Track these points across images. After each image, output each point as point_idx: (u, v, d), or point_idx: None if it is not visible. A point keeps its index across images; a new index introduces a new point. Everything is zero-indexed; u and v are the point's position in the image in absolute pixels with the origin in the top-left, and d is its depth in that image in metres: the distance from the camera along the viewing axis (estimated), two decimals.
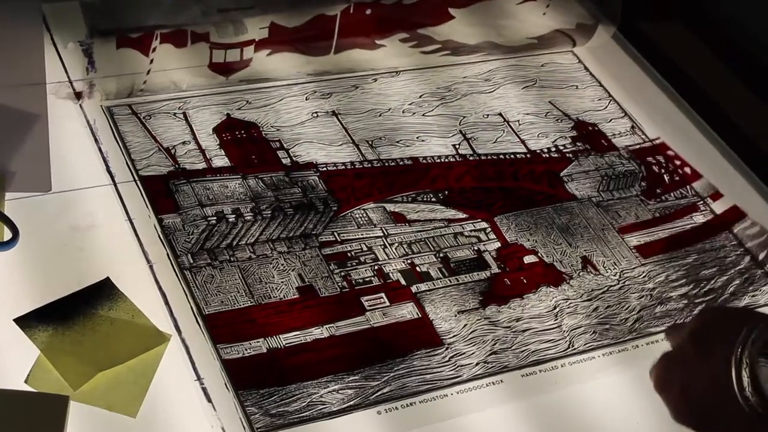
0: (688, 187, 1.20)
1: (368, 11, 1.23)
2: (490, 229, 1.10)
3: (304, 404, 0.89)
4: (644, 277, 1.08)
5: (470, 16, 1.31)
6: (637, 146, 1.24)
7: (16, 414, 0.81)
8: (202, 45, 1.16)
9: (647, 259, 1.10)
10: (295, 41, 1.21)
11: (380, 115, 1.20)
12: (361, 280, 1.01)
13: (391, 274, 1.02)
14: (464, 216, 1.10)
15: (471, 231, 1.09)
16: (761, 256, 1.12)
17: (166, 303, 0.95)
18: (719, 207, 1.18)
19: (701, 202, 1.18)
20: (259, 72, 1.20)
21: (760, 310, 1.07)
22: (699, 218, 1.17)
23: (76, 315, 0.91)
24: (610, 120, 1.28)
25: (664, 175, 1.20)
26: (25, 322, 0.90)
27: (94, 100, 1.12)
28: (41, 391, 0.85)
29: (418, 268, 1.04)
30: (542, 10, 1.37)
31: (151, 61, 1.12)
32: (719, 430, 0.79)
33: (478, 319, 1.00)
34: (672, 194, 1.19)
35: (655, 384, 0.84)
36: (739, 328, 0.76)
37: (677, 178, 1.20)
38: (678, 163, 1.22)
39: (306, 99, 1.20)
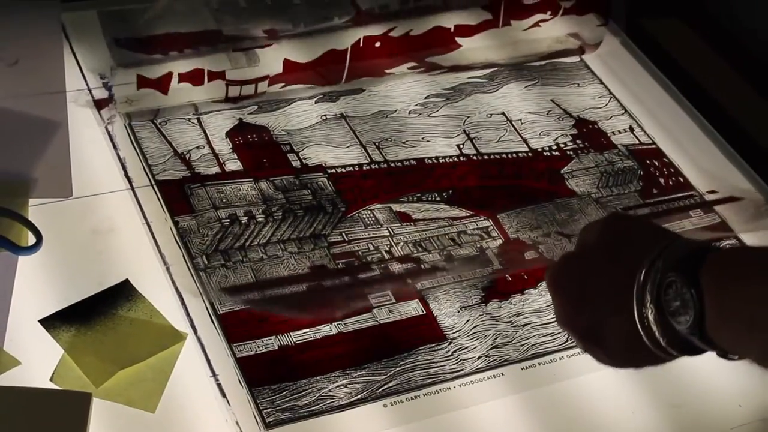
0: (681, 194, 1.23)
1: (377, 44, 1.27)
2: (492, 227, 1.14)
3: (313, 398, 0.94)
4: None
5: (477, 43, 1.35)
6: (636, 146, 1.28)
7: (43, 410, 0.85)
8: (218, 82, 1.20)
9: None
10: (307, 74, 1.25)
11: (387, 117, 1.25)
12: (368, 278, 1.05)
13: (396, 272, 1.07)
14: (467, 214, 1.15)
15: (474, 229, 1.13)
16: None
17: (183, 303, 0.99)
18: (710, 218, 1.20)
19: (694, 209, 1.21)
20: (270, 98, 1.24)
21: None
22: (691, 224, 1.19)
23: (97, 316, 0.96)
24: (610, 117, 1.31)
25: (660, 178, 1.23)
26: (50, 322, 0.95)
27: (115, 113, 1.16)
28: (65, 389, 0.90)
29: (422, 266, 1.08)
30: (549, 34, 1.39)
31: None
32: (603, 339, 0.77)
33: (480, 315, 1.04)
34: (667, 197, 1.22)
35: (549, 281, 0.81)
36: (652, 241, 0.73)
37: (672, 183, 1.23)
38: (672, 170, 1.25)
39: (315, 102, 1.24)
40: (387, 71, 1.29)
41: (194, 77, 1.19)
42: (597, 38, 1.40)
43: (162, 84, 1.17)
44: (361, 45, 1.26)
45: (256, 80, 1.21)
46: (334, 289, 1.04)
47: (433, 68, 1.31)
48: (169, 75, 1.17)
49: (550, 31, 1.40)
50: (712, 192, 1.23)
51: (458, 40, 1.33)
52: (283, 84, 1.23)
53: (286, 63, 1.22)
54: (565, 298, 0.80)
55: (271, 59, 1.22)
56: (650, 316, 0.71)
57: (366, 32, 1.27)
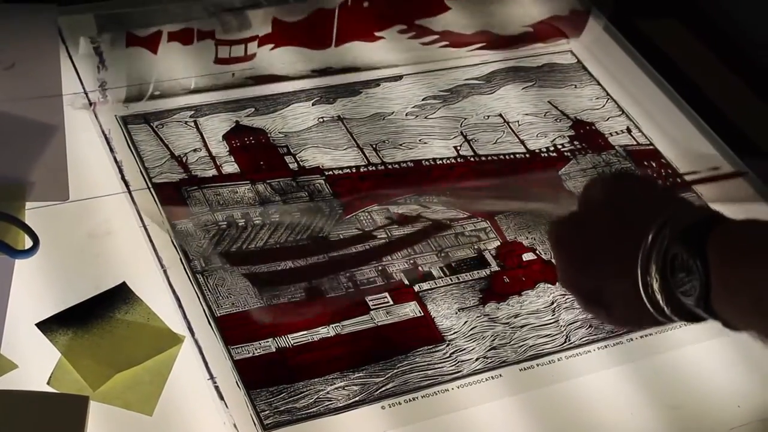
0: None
1: (366, 4, 1.27)
2: (490, 228, 1.14)
3: (311, 401, 0.94)
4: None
5: (466, 6, 1.35)
6: (634, 147, 1.28)
7: (40, 414, 0.85)
8: (208, 42, 1.21)
9: None
10: (297, 35, 1.26)
11: (384, 119, 1.25)
12: (365, 281, 1.05)
13: (394, 274, 1.06)
14: (465, 216, 1.14)
15: (471, 231, 1.13)
16: None
17: (180, 306, 0.99)
18: None
19: None
20: (263, 68, 1.24)
21: None
22: None
23: (94, 319, 0.96)
24: (608, 118, 1.31)
25: (658, 180, 1.23)
26: (47, 326, 0.94)
27: (108, 105, 1.16)
28: (63, 392, 0.89)
29: (420, 268, 1.08)
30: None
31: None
32: (606, 302, 0.77)
33: (478, 316, 1.04)
34: None
35: (553, 240, 0.81)
36: (658, 207, 0.72)
37: (668, 184, 1.23)
38: (670, 171, 1.25)
39: (312, 105, 1.24)
40: (377, 34, 1.29)
41: (184, 36, 1.19)
42: (581, 7, 1.40)
43: (151, 42, 1.17)
44: (349, 4, 1.26)
45: (245, 40, 1.21)
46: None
47: (424, 33, 1.31)
48: (159, 33, 1.17)
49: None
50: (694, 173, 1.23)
51: (447, 2, 1.34)
52: (272, 45, 1.23)
53: (275, 22, 1.22)
54: (570, 259, 0.80)
55: (261, 19, 1.22)
56: (654, 285, 0.71)
57: None
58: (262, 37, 1.22)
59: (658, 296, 0.72)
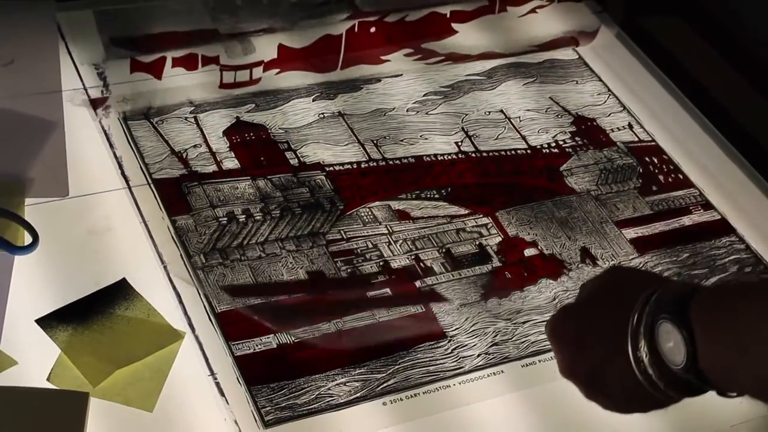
0: (680, 190, 1.22)
1: (372, 29, 1.27)
2: (492, 224, 1.13)
3: (312, 397, 0.93)
4: (641, 268, 1.11)
5: (473, 30, 1.35)
6: (635, 144, 1.27)
7: (40, 410, 0.85)
8: (213, 67, 1.20)
9: (644, 253, 1.13)
10: (303, 60, 1.26)
11: (385, 115, 1.24)
12: (367, 276, 1.05)
13: (396, 270, 1.06)
14: (466, 212, 1.14)
15: (473, 226, 1.13)
16: (746, 268, 1.15)
17: (180, 302, 0.98)
18: (709, 216, 1.20)
19: (694, 206, 1.21)
20: (267, 88, 1.24)
21: None
22: (690, 221, 1.19)
23: (94, 315, 0.95)
24: (609, 114, 1.31)
25: (659, 176, 1.23)
26: (47, 322, 0.94)
27: (111, 112, 1.16)
28: (63, 388, 0.89)
29: (422, 264, 1.07)
30: (545, 21, 1.40)
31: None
32: (605, 386, 0.78)
33: (479, 312, 1.04)
34: (667, 194, 1.21)
35: (549, 334, 0.84)
36: (642, 288, 0.75)
37: (671, 180, 1.23)
38: (672, 167, 1.25)
39: (312, 100, 1.24)
40: (383, 58, 1.28)
41: (188, 62, 1.19)
42: (592, 27, 1.40)
43: (155, 68, 1.17)
44: (356, 30, 1.26)
45: (250, 65, 1.21)
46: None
47: (430, 56, 1.31)
48: (163, 59, 1.17)
49: (546, 20, 1.39)
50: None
51: (454, 26, 1.33)
52: (278, 70, 1.23)
53: (281, 48, 1.22)
54: (565, 348, 0.82)
55: (266, 45, 1.22)
56: (645, 360, 0.73)
57: (361, 18, 1.26)
58: (267, 62, 1.22)
59: (651, 371, 0.73)
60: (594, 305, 0.81)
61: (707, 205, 1.21)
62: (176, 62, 1.18)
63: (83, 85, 1.17)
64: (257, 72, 1.21)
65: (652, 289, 0.74)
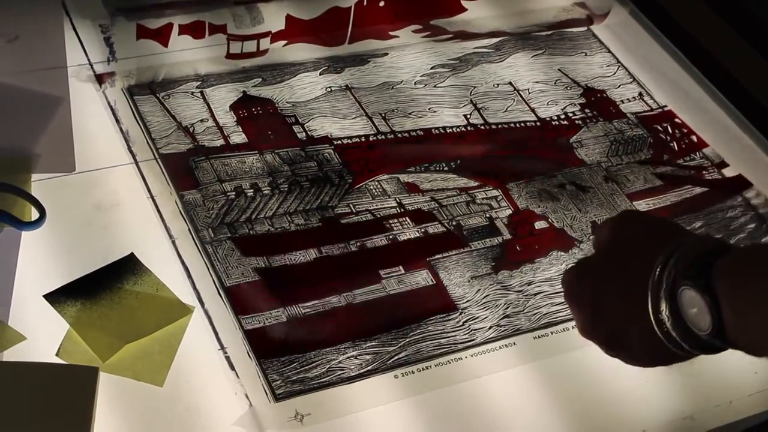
0: (694, 154, 1.22)
1: (381, 3, 1.26)
2: (502, 197, 1.12)
3: (323, 370, 0.92)
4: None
5: (483, 7, 1.33)
6: (646, 113, 1.26)
7: (50, 386, 0.84)
8: (219, 36, 1.19)
9: None
10: (310, 32, 1.24)
11: (392, 88, 1.23)
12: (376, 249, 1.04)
13: (405, 243, 1.05)
14: (476, 184, 1.13)
15: (483, 199, 1.12)
16: (765, 226, 1.14)
17: (189, 276, 0.98)
18: (726, 173, 1.20)
19: (708, 168, 1.20)
20: (274, 60, 1.23)
21: None
22: (701, 189, 1.18)
23: (102, 290, 0.95)
24: (619, 86, 1.30)
25: (671, 143, 1.22)
26: (55, 297, 0.93)
27: (116, 87, 1.15)
28: (72, 363, 0.89)
29: (432, 237, 1.07)
30: (555, 2, 1.39)
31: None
32: (626, 344, 0.77)
33: (490, 284, 1.03)
34: (679, 161, 1.20)
35: (565, 293, 0.83)
36: (660, 242, 0.73)
37: (684, 146, 1.22)
38: (685, 131, 1.24)
39: (320, 74, 1.23)
40: (391, 33, 1.27)
41: (195, 29, 1.18)
42: (605, 8, 1.38)
43: (162, 35, 1.16)
44: (365, 4, 1.25)
45: (257, 36, 1.20)
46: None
47: (438, 33, 1.30)
48: (170, 26, 1.16)
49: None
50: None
51: (464, 3, 1.32)
52: (285, 42, 1.22)
53: (289, 20, 1.21)
54: (583, 308, 0.81)
55: (274, 16, 1.21)
56: (668, 323, 0.72)
57: None
58: (275, 34, 1.21)
59: (674, 333, 0.72)
60: (610, 261, 0.79)
61: (722, 165, 1.20)
62: (183, 29, 1.17)
63: (88, 60, 1.16)
64: (264, 43, 1.20)
65: (671, 248, 0.72)
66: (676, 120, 1.25)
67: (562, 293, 0.85)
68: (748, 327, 0.69)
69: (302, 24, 1.23)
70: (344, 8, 1.24)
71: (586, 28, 1.38)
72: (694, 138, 1.23)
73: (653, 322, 0.73)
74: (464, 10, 1.32)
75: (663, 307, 0.72)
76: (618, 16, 1.39)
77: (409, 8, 1.29)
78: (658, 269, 0.72)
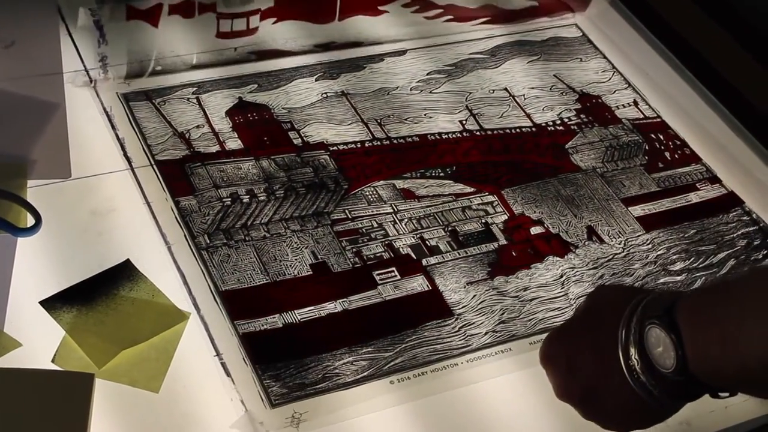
0: (687, 167, 1.22)
1: None
2: (497, 202, 1.12)
3: (319, 376, 0.92)
4: (648, 244, 1.11)
5: None
6: (641, 120, 1.26)
7: (45, 392, 0.84)
8: (209, 15, 1.19)
9: (650, 230, 1.12)
10: (300, 9, 1.24)
11: (388, 94, 1.23)
12: (372, 256, 1.04)
13: (401, 249, 1.05)
14: (472, 190, 1.13)
15: (479, 204, 1.12)
16: (755, 242, 1.14)
17: (185, 282, 0.98)
18: (716, 191, 1.20)
19: (699, 183, 1.20)
20: (266, 42, 1.23)
21: None
22: (697, 197, 1.18)
23: (98, 296, 0.95)
24: (614, 92, 1.30)
25: (665, 153, 1.22)
26: (50, 304, 0.93)
27: (109, 82, 1.14)
28: (68, 370, 0.89)
29: (427, 242, 1.07)
30: None
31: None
32: (601, 404, 0.79)
33: (486, 290, 1.03)
34: (673, 170, 1.20)
35: (540, 359, 0.85)
36: (628, 300, 0.76)
37: (677, 157, 1.22)
38: (678, 142, 1.24)
39: (315, 80, 1.23)
40: (380, 8, 1.27)
41: (185, 9, 1.17)
42: None
43: (152, 15, 1.16)
44: None
45: (247, 14, 1.20)
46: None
47: (428, 7, 1.30)
48: (159, 6, 1.15)
49: None
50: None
51: None
52: (275, 20, 1.22)
53: None
54: (557, 371, 0.83)
55: None
56: (638, 367, 0.74)
57: None
58: (264, 11, 1.21)
59: (643, 378, 0.74)
60: (583, 323, 0.82)
61: (714, 180, 1.20)
62: (172, 9, 1.16)
63: (84, 66, 1.16)
64: (254, 21, 1.20)
65: (639, 298, 0.76)
66: (669, 131, 1.25)
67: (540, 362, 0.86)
68: (705, 352, 0.71)
69: (291, 0, 1.23)
70: None
71: (576, 29, 1.38)
72: (687, 150, 1.23)
73: (624, 369, 0.75)
74: None
75: (632, 351, 0.74)
76: (598, 6, 1.40)
77: None
78: (627, 317, 0.75)
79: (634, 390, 0.75)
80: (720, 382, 0.73)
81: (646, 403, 0.76)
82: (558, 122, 1.24)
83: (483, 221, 1.10)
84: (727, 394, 0.75)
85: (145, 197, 1.05)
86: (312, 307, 0.98)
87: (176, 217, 1.03)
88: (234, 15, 1.19)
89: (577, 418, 0.94)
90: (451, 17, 1.32)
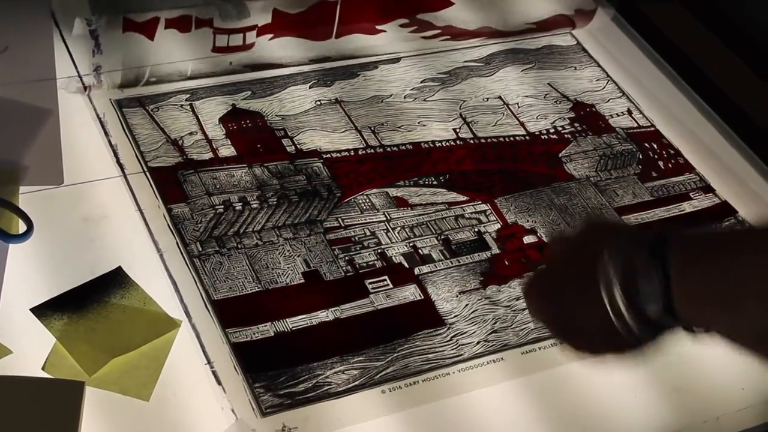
0: (681, 177, 1.22)
1: None
2: (490, 211, 1.12)
3: (310, 385, 0.92)
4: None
5: (470, 1, 1.33)
6: (635, 129, 1.26)
7: (35, 399, 0.84)
8: (206, 30, 1.19)
9: None
10: (297, 26, 1.24)
11: (382, 102, 1.23)
12: (364, 264, 1.04)
13: (393, 258, 1.05)
14: (465, 198, 1.13)
15: (472, 213, 1.12)
16: None
17: (177, 290, 0.98)
18: (710, 201, 1.20)
19: (693, 192, 1.20)
20: (262, 57, 1.23)
21: None
22: (691, 206, 1.18)
23: (89, 303, 0.94)
24: (608, 100, 1.30)
25: (659, 162, 1.22)
26: (41, 311, 0.93)
27: (103, 89, 1.14)
28: (58, 378, 0.88)
29: (420, 251, 1.07)
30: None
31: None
32: (578, 329, 0.77)
33: (479, 299, 1.03)
34: (667, 179, 1.20)
35: (524, 294, 0.83)
36: (618, 235, 0.74)
37: (671, 166, 1.22)
38: (672, 151, 1.24)
39: (309, 87, 1.23)
40: (378, 27, 1.27)
41: (181, 23, 1.17)
42: (589, 6, 1.38)
43: (148, 28, 1.15)
44: None
45: (243, 29, 1.20)
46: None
47: (426, 27, 1.30)
48: (156, 20, 1.15)
49: None
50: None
51: None
52: (271, 36, 1.21)
53: (275, 13, 1.21)
54: (540, 301, 0.81)
55: (261, 10, 1.21)
56: (620, 302, 0.71)
57: None
58: (261, 27, 1.21)
59: (626, 314, 0.72)
60: (565, 260, 0.79)
61: (707, 189, 1.20)
62: (169, 23, 1.16)
63: (78, 72, 1.16)
64: (251, 37, 1.20)
65: (625, 233, 0.73)
66: (663, 140, 1.25)
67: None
68: (696, 301, 0.69)
69: (289, 18, 1.23)
70: (331, 2, 1.23)
71: (571, 37, 1.38)
72: (681, 160, 1.23)
73: (606, 301, 0.72)
74: (451, 4, 1.32)
75: (615, 284, 0.71)
76: (601, 21, 1.40)
77: (396, 2, 1.29)
78: (615, 253, 0.72)
79: (614, 324, 0.72)
80: (701, 325, 0.71)
81: (622, 336, 0.73)
82: (552, 131, 1.24)
83: (476, 230, 1.10)
84: (702, 330, 0.72)
85: (137, 204, 1.04)
86: (304, 316, 0.98)
87: (168, 225, 1.03)
88: (230, 31, 1.19)
89: (570, 427, 0.94)
90: (449, 37, 1.32)
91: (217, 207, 1.06)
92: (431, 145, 1.19)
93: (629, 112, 1.29)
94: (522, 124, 1.24)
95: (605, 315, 0.73)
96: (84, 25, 1.14)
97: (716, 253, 0.69)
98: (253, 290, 0.99)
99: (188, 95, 1.18)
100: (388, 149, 1.17)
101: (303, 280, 1.01)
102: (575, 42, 1.39)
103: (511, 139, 1.22)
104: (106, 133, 1.11)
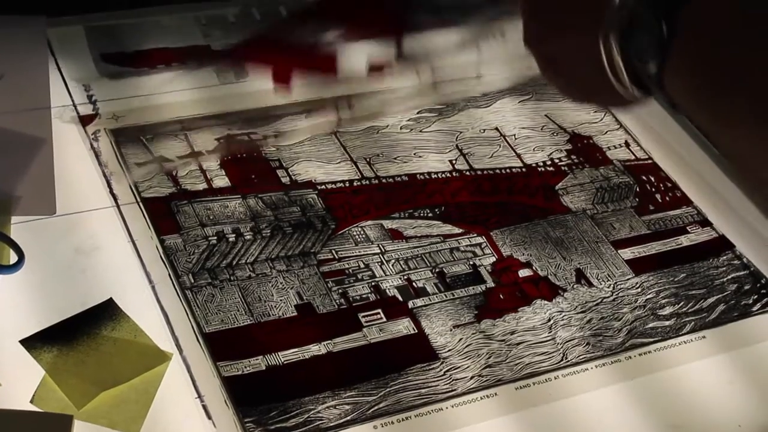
0: (678, 210, 1.21)
1: None
2: (486, 244, 1.12)
3: (301, 420, 0.91)
4: (637, 288, 1.10)
5: None
6: (632, 162, 1.26)
7: None
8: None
9: (640, 274, 1.12)
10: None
11: (378, 132, 1.23)
12: (358, 297, 1.03)
13: (387, 290, 1.04)
14: (460, 231, 1.13)
15: (467, 246, 1.11)
16: (745, 287, 1.14)
17: (168, 322, 0.97)
18: (707, 234, 1.19)
19: (690, 226, 1.19)
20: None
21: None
22: (688, 240, 1.18)
23: (79, 335, 0.94)
24: (606, 132, 1.30)
25: (656, 195, 1.22)
26: (31, 343, 0.92)
27: (97, 118, 1.14)
28: (46, 411, 0.87)
29: (414, 284, 1.06)
30: None
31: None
32: (567, 69, 0.74)
33: (473, 333, 1.02)
34: (664, 213, 1.20)
35: (525, 39, 0.77)
36: None
37: (668, 199, 1.22)
38: (669, 185, 1.24)
39: (305, 117, 1.22)
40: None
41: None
42: None
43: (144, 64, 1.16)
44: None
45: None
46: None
47: None
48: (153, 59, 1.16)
49: None
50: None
51: None
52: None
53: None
54: (535, 20, 0.75)
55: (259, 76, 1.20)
56: (614, 47, 0.67)
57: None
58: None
59: (617, 58, 0.67)
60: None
61: (705, 223, 1.19)
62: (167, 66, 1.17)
63: (72, 101, 1.16)
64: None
65: None
66: (661, 173, 1.25)
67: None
68: (687, 76, 0.64)
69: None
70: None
71: None
72: (678, 193, 1.22)
73: (600, 42, 0.67)
74: None
75: (615, 27, 0.67)
76: None
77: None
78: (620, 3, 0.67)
79: (603, 65, 0.68)
80: (683, 105, 0.67)
81: (609, 81, 0.69)
82: (548, 163, 1.24)
83: (471, 263, 1.09)
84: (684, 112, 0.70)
85: (129, 235, 1.04)
86: (296, 349, 0.97)
87: (161, 256, 1.03)
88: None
89: None
90: None
91: (210, 238, 1.05)
92: (427, 176, 1.18)
93: (627, 144, 1.28)
94: (519, 155, 1.24)
95: (597, 56, 0.68)
96: (83, 91, 1.14)
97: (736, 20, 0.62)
98: (245, 323, 0.98)
99: (183, 125, 1.17)
100: (384, 180, 1.16)
101: (296, 313, 1.00)
102: None
103: (508, 171, 1.21)
104: (99, 163, 1.10)
